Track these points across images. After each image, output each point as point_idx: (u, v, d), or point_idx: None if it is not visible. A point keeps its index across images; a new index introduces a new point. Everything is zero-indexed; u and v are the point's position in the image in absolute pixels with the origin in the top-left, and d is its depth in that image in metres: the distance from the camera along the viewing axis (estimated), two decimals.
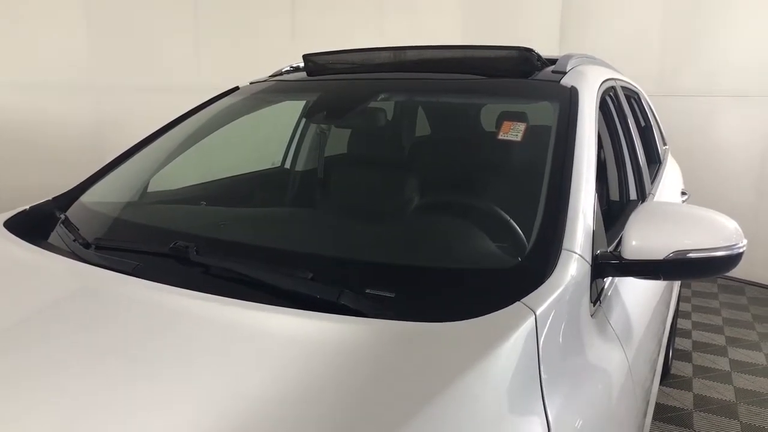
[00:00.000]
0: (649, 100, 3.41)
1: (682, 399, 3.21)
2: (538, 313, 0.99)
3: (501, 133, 1.59)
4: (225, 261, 1.23)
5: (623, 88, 2.52)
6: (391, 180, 1.69)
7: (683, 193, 3.06)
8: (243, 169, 2.47)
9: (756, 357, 3.73)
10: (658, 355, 1.91)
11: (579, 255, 1.19)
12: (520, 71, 1.89)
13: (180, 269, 1.27)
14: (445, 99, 2.06)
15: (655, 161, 3.01)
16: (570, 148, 1.44)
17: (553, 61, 2.00)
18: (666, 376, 3.35)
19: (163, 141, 2.18)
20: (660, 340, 1.98)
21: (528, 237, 1.25)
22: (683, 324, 4.19)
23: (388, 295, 1.09)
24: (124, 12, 4.39)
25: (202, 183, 2.31)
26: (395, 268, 1.21)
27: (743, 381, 3.41)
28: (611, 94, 2.19)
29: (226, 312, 1.06)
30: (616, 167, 2.14)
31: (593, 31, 5.77)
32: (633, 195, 2.16)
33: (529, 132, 1.56)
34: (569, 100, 1.65)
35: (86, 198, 1.86)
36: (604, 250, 1.31)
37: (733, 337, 4.03)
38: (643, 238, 1.25)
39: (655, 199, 2.35)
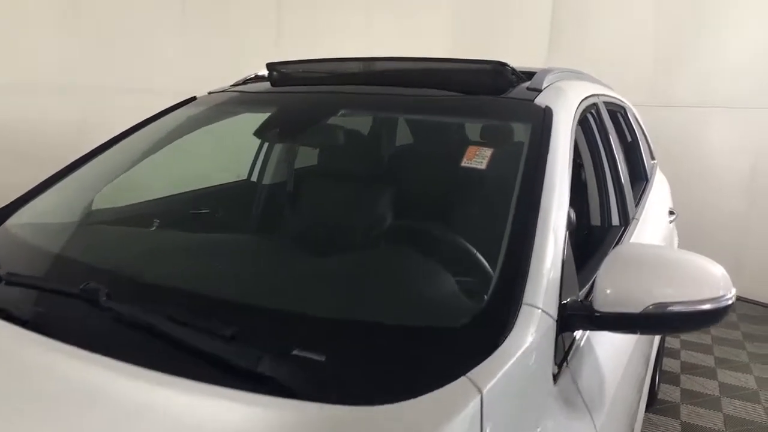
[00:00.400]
0: (637, 114, 3.26)
1: (670, 428, 3.06)
2: (485, 391, 0.83)
3: (464, 160, 1.42)
4: (136, 311, 1.06)
5: (607, 103, 2.37)
6: (335, 216, 1.53)
7: (671, 213, 2.91)
8: (190, 186, 2.30)
9: (746, 380, 3.58)
10: (636, 411, 1.75)
11: (542, 311, 1.03)
12: (492, 87, 1.73)
13: (88, 321, 1.10)
14: (409, 118, 1.90)
15: (641, 178, 2.86)
16: (539, 179, 1.27)
17: (530, 75, 1.84)
18: (653, 401, 3.20)
19: (112, 153, 2.01)
20: (640, 390, 1.83)
21: (483, 289, 1.08)
22: (671, 343, 4.04)
23: (316, 358, 0.92)
24: (108, 12, 4.18)
25: (149, 200, 2.14)
26: (325, 324, 1.04)
27: (733, 407, 3.26)
28: (593, 111, 2.03)
29: (124, 389, 0.88)
30: (598, 190, 1.99)
31: (583, 38, 5.62)
32: (615, 219, 2.00)
33: (495, 159, 1.40)
34: (542, 122, 1.49)
35: (15, 220, 1.69)
36: (574, 298, 1.15)
37: (722, 358, 3.88)
38: (618, 287, 1.09)
39: (640, 221, 2.19)
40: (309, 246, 1.45)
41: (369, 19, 5.32)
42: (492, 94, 1.72)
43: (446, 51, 5.86)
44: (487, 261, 1.14)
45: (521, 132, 1.48)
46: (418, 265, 1.26)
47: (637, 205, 2.34)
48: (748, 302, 4.83)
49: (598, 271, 1.13)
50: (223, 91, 2.26)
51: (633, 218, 2.11)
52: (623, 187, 2.09)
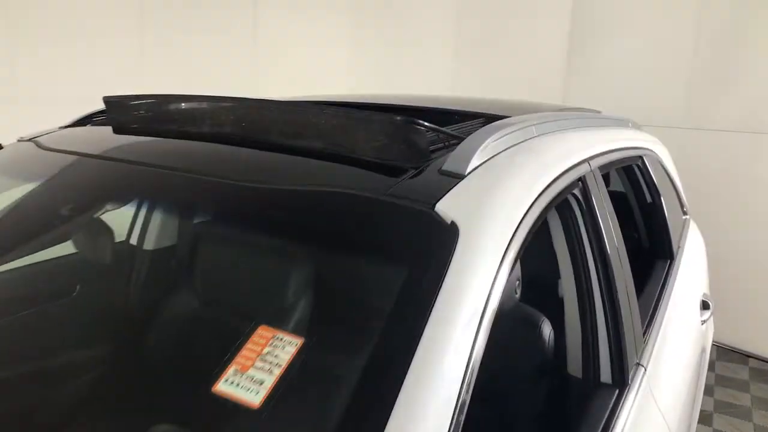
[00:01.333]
0: (664, 155, 2.44)
1: None
2: None
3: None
4: None
5: (611, 162, 1.59)
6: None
7: (705, 305, 2.09)
8: None
9: None
10: None
11: None
12: (390, 163, 1.02)
13: None
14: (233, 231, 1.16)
15: (665, 255, 2.06)
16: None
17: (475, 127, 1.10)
18: None
19: None
20: None
21: None
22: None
23: None
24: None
25: None
26: None
27: None
28: (577, 192, 1.26)
29: None
30: (582, 330, 1.22)
31: (607, 48, 4.78)
32: (606, 373, 1.23)
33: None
34: (433, 262, 0.75)
35: None
36: None
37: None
38: None
39: (653, 359, 1.41)
40: None
41: (359, 21, 4.57)
42: (388, 173, 1.00)
43: (446, 67, 5.09)
44: None
45: (385, 286, 0.74)
46: None
47: (651, 320, 1.55)
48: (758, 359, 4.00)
49: None
50: (36, 137, 1.55)
51: (638, 364, 1.32)
52: (626, 308, 1.31)
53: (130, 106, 1.51)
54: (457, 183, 0.95)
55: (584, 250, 1.28)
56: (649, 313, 1.57)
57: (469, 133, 1.13)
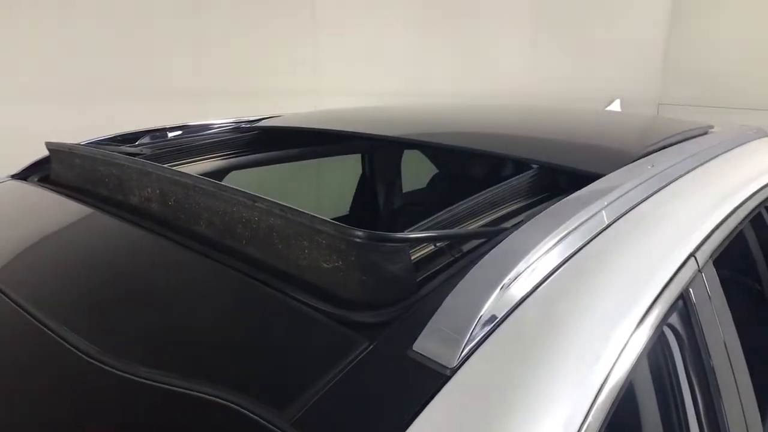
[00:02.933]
0: None
1: None
2: None
3: None
4: None
5: (747, 217, 1.05)
6: None
7: None
8: None
9: None
10: None
11: None
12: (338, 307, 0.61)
13: None
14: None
15: None
16: None
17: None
18: None
19: None
20: None
21: None
22: None
23: None
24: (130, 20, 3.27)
25: None
26: None
27: None
28: (677, 315, 0.77)
29: None
30: None
31: (713, 20, 4.02)
32: None
33: None
34: None
35: None
36: None
37: None
38: None
39: None
40: None
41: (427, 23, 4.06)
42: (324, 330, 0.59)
43: (523, 46, 4.50)
44: None
45: None
46: None
47: None
48: None
49: None
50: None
51: None
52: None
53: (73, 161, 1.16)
54: (436, 390, 0.51)
55: (679, 387, 0.80)
56: None
57: (493, 238, 0.67)
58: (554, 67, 4.58)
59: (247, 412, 0.52)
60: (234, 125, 1.68)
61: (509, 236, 0.68)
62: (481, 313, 0.56)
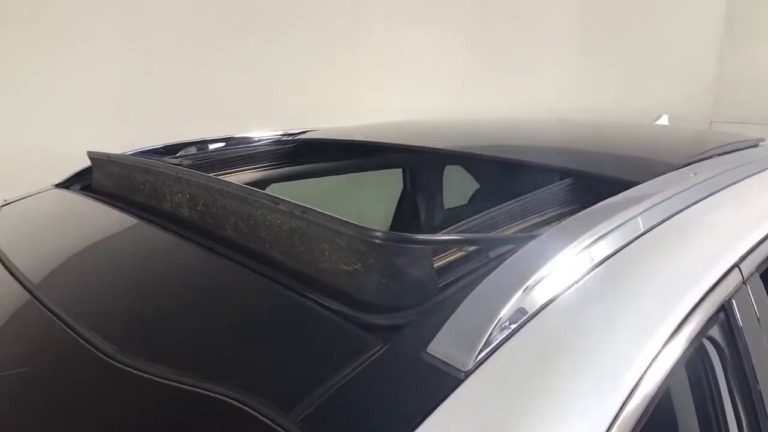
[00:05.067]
0: None
1: None
2: None
3: None
4: None
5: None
6: None
7: None
8: None
9: None
10: None
11: None
12: (358, 310, 0.64)
13: None
14: None
15: None
16: None
17: None
18: None
19: None
20: None
21: None
22: None
23: None
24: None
25: None
26: None
27: None
28: (718, 328, 0.74)
29: None
30: None
31: (765, 39, 3.88)
32: None
33: None
34: None
35: None
36: None
37: None
38: None
39: None
40: None
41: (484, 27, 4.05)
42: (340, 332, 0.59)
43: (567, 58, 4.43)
44: None
45: None
46: None
47: None
48: None
49: None
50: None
51: None
52: None
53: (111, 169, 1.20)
54: (448, 393, 0.49)
55: (720, 403, 0.76)
56: None
57: (520, 244, 0.65)
58: (607, 85, 4.50)
59: (254, 412, 0.51)
60: (276, 138, 1.70)
61: (535, 240, 0.66)
62: (500, 316, 0.54)
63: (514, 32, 4.17)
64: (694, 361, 0.72)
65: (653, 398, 0.56)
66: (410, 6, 3.70)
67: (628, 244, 0.71)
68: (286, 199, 0.73)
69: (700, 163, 1.08)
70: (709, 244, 0.81)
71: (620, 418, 0.52)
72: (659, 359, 0.59)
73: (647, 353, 0.58)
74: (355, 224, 0.65)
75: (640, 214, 0.77)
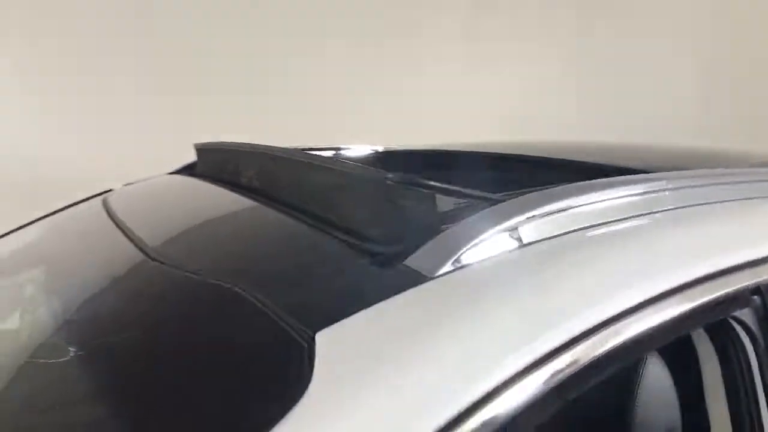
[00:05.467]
0: None
1: None
2: None
3: None
4: None
5: None
6: None
7: None
8: None
9: None
10: None
11: None
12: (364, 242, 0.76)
13: None
14: None
15: None
16: None
17: None
18: None
19: None
20: None
21: None
22: None
23: None
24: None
25: None
26: None
27: None
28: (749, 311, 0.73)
29: None
30: None
31: None
32: None
33: None
34: None
35: None
36: None
37: None
38: None
39: None
40: None
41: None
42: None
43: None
44: None
45: None
46: None
47: None
48: None
49: None
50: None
51: None
52: None
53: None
54: (407, 289, 0.58)
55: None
56: None
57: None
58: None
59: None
60: (390, 151, 1.70)
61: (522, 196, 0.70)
62: (474, 242, 0.61)
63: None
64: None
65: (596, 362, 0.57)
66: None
67: (644, 215, 0.72)
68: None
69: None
70: (742, 226, 0.79)
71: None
72: (631, 324, 0.60)
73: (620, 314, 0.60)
74: (363, 167, 0.75)
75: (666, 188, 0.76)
